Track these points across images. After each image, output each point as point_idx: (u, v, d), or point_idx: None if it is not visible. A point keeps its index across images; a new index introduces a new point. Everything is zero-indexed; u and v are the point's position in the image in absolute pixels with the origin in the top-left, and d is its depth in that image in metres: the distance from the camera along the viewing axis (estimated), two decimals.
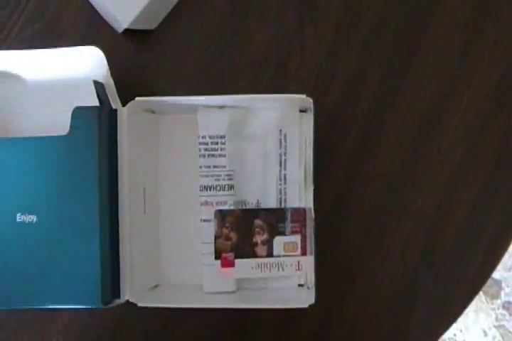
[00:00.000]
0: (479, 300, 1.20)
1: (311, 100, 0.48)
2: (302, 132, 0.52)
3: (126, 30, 0.54)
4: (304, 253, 0.50)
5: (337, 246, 0.55)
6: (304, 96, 0.48)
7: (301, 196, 0.52)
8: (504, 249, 0.54)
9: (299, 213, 0.51)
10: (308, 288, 0.50)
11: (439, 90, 0.56)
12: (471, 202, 0.55)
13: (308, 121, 0.50)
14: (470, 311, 1.20)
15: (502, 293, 1.19)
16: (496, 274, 1.19)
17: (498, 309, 1.19)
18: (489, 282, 1.18)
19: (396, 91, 0.56)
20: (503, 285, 1.19)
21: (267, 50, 0.56)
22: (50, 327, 0.55)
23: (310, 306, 0.46)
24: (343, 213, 0.55)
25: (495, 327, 1.19)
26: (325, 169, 0.55)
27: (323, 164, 0.54)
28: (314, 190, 0.49)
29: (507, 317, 1.19)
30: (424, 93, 0.56)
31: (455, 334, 1.20)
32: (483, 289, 1.17)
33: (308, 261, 0.50)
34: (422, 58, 0.56)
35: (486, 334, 1.19)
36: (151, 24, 0.56)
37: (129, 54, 0.56)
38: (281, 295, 0.51)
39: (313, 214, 0.49)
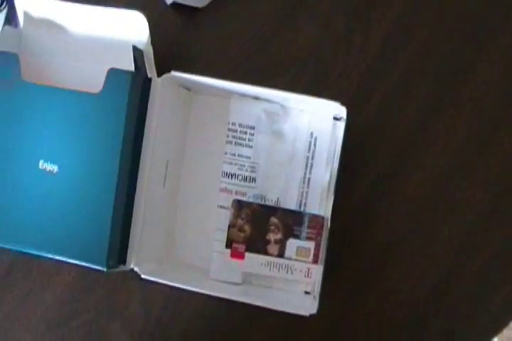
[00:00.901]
0: None
1: (344, 109, 0.46)
2: (333, 139, 0.50)
3: (175, 4, 0.53)
4: (315, 261, 0.48)
5: (352, 259, 0.52)
6: (338, 104, 0.46)
7: (322, 203, 0.50)
8: None
9: (317, 220, 0.49)
10: (314, 297, 0.48)
11: (482, 120, 0.53)
12: (499, 243, 0.52)
13: (341, 129, 0.48)
14: None
15: None
16: None
17: None
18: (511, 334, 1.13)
19: (439, 113, 0.53)
20: None
21: (311, 50, 0.54)
22: (56, 279, 0.55)
23: (312, 315, 0.44)
24: (364, 227, 0.53)
25: None
26: (353, 180, 0.52)
27: (352, 174, 0.52)
28: (338, 200, 0.47)
29: None
30: (469, 123, 0.53)
31: None
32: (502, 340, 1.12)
33: (319, 270, 0.48)
34: (467, 80, 0.53)
35: None
36: (201, 2, 0.54)
37: (172, 28, 0.55)
38: (285, 298, 0.49)
39: (329, 224, 0.47)
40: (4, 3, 0.49)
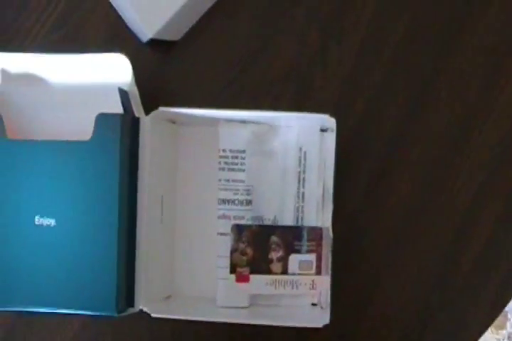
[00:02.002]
0: None
1: (333, 120, 0.48)
2: (322, 151, 0.51)
3: (151, 40, 0.54)
4: (318, 272, 0.50)
5: (352, 267, 0.54)
6: (327, 116, 0.48)
7: (318, 215, 0.51)
8: None
9: (316, 232, 0.50)
10: (321, 307, 0.49)
11: (462, 113, 0.55)
12: (491, 230, 0.55)
13: (329, 140, 0.50)
14: None
15: (508, 324, 1.18)
16: None
17: (504, 340, 1.18)
18: None
19: (419, 113, 0.55)
20: (509, 316, 1.18)
21: (290, 67, 0.56)
22: (61, 333, 0.55)
23: (325, 325, 0.45)
24: (360, 234, 0.55)
25: None
26: (343, 189, 0.54)
27: (341, 184, 0.53)
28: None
29: None
30: (447, 117, 0.55)
31: None
32: None
33: (324, 281, 0.49)
34: (446, 80, 0.55)
35: None
36: (176, 35, 0.56)
37: (152, 64, 0.56)
38: (293, 313, 0.50)
39: (331, 233, 0.48)
40: None
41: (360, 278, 0.54)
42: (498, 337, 1.17)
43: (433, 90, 0.55)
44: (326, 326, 0.45)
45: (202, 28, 0.56)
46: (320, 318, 0.46)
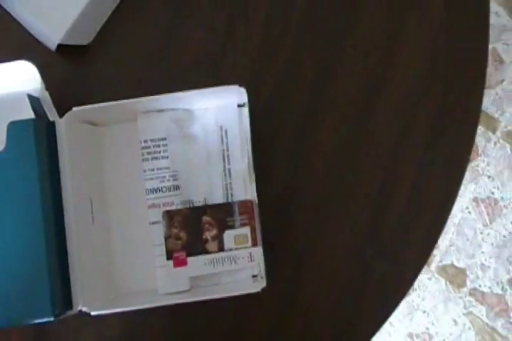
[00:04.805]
0: (446, 291, 1.21)
1: (244, 90, 0.49)
2: (242, 126, 0.53)
3: (61, 48, 0.55)
4: (254, 244, 0.51)
5: (286, 234, 0.56)
6: (237, 86, 0.49)
7: (247, 188, 0.52)
8: (444, 222, 0.56)
9: (246, 205, 0.52)
10: (261, 277, 0.51)
11: (372, 68, 0.58)
12: (412, 178, 0.57)
13: (247, 114, 0.51)
14: (439, 303, 1.21)
15: (467, 281, 1.21)
16: (460, 263, 1.21)
17: (466, 297, 1.21)
18: (454, 271, 1.21)
19: (329, 79, 0.57)
20: (468, 272, 1.21)
21: (200, 52, 0.58)
22: None
23: (263, 297, 0.47)
24: (289, 201, 0.56)
25: (464, 314, 1.21)
26: (267, 159, 0.56)
27: (265, 155, 0.55)
28: (258, 181, 0.50)
29: (474, 303, 1.21)
30: (358, 72, 0.58)
31: (427, 328, 1.21)
32: (449, 279, 1.19)
33: (259, 252, 0.51)
34: (352, 44, 0.58)
35: (456, 323, 1.21)
36: (85, 39, 0.57)
37: (65, 71, 0.57)
38: (234, 288, 0.51)
39: (256, 205, 0.50)
40: None
41: (295, 243, 0.56)
42: (460, 295, 1.21)
43: (342, 53, 0.58)
44: (266, 294, 0.47)
45: (110, 29, 0.58)
46: (259, 285, 0.48)
